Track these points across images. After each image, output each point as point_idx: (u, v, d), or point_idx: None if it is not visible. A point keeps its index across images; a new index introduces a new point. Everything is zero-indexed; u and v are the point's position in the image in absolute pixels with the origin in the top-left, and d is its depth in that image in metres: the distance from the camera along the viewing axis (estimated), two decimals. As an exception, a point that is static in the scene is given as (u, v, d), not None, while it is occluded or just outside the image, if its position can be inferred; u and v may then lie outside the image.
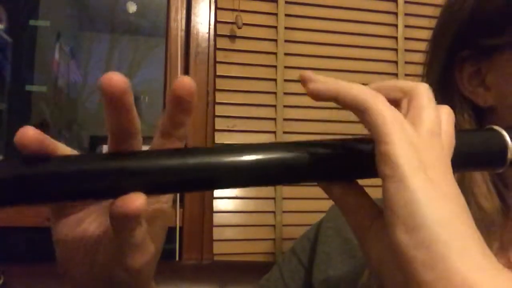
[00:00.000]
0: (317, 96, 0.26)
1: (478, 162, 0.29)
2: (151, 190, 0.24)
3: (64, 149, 0.26)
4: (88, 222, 0.29)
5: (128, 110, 0.24)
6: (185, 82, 0.24)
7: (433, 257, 0.21)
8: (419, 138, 0.24)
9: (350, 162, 0.26)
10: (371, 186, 0.30)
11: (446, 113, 0.26)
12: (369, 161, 0.25)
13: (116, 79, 0.22)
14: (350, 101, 0.24)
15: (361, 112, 0.24)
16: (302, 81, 0.26)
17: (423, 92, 0.25)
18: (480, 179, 0.39)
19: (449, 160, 0.25)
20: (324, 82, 0.25)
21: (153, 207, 0.29)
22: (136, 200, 0.23)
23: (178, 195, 1.09)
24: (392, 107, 0.24)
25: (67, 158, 0.24)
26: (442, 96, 0.43)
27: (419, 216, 0.21)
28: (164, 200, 0.29)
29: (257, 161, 0.25)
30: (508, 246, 0.39)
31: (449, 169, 0.24)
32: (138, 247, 0.26)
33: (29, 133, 0.23)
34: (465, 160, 0.27)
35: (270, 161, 0.25)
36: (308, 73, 0.26)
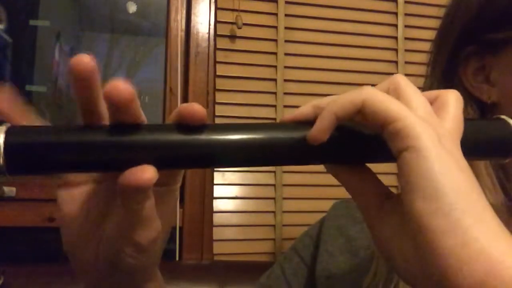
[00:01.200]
0: (325, 130, 0.25)
1: (484, 151, 0.29)
2: (160, 164, 0.24)
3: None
4: (95, 199, 0.29)
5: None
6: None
7: (451, 224, 0.21)
8: (424, 116, 0.24)
9: (359, 145, 0.26)
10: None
11: (454, 97, 0.26)
12: (379, 144, 0.25)
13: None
14: (348, 105, 0.24)
15: (361, 108, 0.24)
16: (316, 136, 0.25)
17: (403, 81, 0.26)
18: (484, 172, 0.39)
19: (458, 141, 0.25)
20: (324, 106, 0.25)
21: (163, 187, 0.29)
22: (147, 172, 0.23)
23: (178, 195, 1.08)
24: (387, 95, 0.25)
25: (78, 127, 0.24)
26: None
27: (437, 184, 0.22)
28: (174, 181, 0.30)
29: (266, 139, 0.25)
30: None
31: (459, 145, 0.24)
32: (146, 222, 0.26)
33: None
34: (472, 148, 0.27)
35: (280, 140, 0.25)
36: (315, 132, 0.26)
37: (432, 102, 0.27)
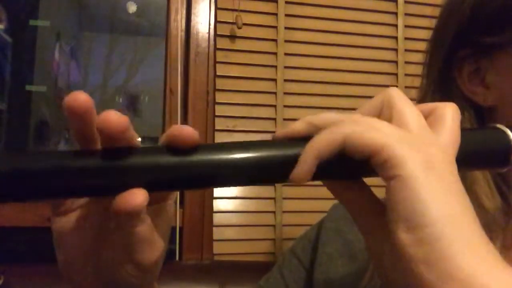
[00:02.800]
0: (306, 172, 0.24)
1: (481, 161, 0.28)
2: (152, 187, 0.24)
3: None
4: (91, 219, 0.28)
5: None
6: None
7: (435, 255, 0.20)
8: (414, 137, 0.23)
9: (351, 162, 0.26)
10: (373, 186, 0.30)
11: (451, 110, 0.26)
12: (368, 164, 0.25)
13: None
14: (330, 145, 0.24)
15: (342, 143, 0.23)
16: (298, 178, 0.25)
17: (396, 94, 0.25)
18: (481, 178, 0.39)
19: (454, 156, 0.24)
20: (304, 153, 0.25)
21: (157, 205, 0.29)
22: (138, 197, 0.23)
23: (178, 195, 1.09)
24: (372, 119, 0.24)
25: (66, 153, 0.24)
26: (441, 95, 0.43)
27: (420, 215, 0.21)
28: (168, 197, 0.29)
29: (260, 158, 0.25)
30: (510, 246, 0.39)
31: (454, 165, 0.24)
32: (146, 243, 0.25)
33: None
34: (469, 159, 0.27)
35: (274, 159, 0.25)
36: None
37: (428, 115, 0.26)
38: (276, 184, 1.12)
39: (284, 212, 1.12)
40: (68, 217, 0.28)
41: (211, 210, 1.10)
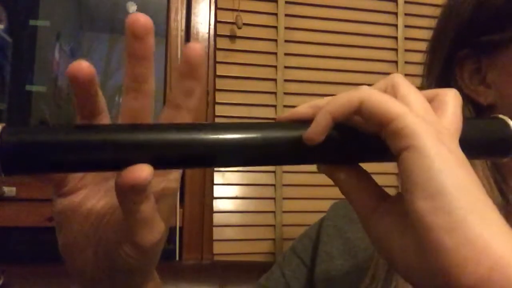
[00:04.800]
0: (321, 131, 0.25)
1: (483, 150, 0.29)
2: (157, 163, 0.24)
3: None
4: (93, 201, 0.28)
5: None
6: (196, 47, 0.25)
7: (454, 222, 0.21)
8: (422, 114, 0.24)
9: (355, 144, 0.26)
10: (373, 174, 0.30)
11: (452, 96, 0.26)
12: (375, 144, 0.25)
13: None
14: (345, 105, 0.24)
15: (359, 107, 0.24)
16: (311, 137, 0.25)
17: (401, 79, 0.26)
18: (481, 174, 0.39)
19: (457, 138, 0.25)
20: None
21: (162, 185, 0.29)
22: (143, 171, 0.23)
23: (178, 195, 1.09)
24: (385, 94, 0.24)
25: (72, 127, 0.24)
26: None
27: (438, 182, 0.21)
28: (172, 178, 0.29)
29: (262, 139, 0.25)
30: None
31: (458, 145, 0.24)
32: (147, 224, 0.25)
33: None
34: (470, 147, 0.27)
35: (276, 140, 0.25)
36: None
37: (430, 100, 0.26)
38: (276, 185, 1.13)
39: (284, 212, 1.12)
40: (71, 198, 0.28)
41: (211, 210, 1.10)
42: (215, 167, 0.27)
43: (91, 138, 0.23)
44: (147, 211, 0.25)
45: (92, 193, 0.29)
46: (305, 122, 0.26)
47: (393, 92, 0.25)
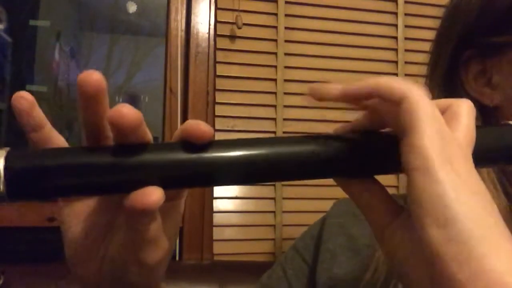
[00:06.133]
0: (354, 95, 0.25)
1: (496, 158, 0.29)
2: (166, 184, 0.23)
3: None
4: (100, 212, 0.28)
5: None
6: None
7: (467, 254, 0.20)
8: (445, 130, 0.23)
9: (368, 158, 0.26)
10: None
11: (466, 107, 0.26)
12: (388, 157, 0.25)
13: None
14: (390, 91, 0.24)
15: (399, 101, 0.23)
16: (318, 92, 0.25)
17: (418, 91, 0.25)
18: (486, 178, 0.39)
19: (471, 154, 0.24)
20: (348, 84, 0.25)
21: (168, 204, 0.28)
22: (153, 194, 0.22)
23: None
24: (429, 99, 0.24)
25: (79, 150, 0.24)
26: (447, 95, 0.43)
27: (451, 211, 0.21)
28: (179, 196, 0.29)
29: (275, 155, 0.24)
30: None
31: (472, 163, 0.24)
32: (153, 242, 0.25)
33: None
34: (484, 156, 0.27)
35: (289, 155, 0.25)
36: (317, 85, 0.26)
37: (443, 111, 0.26)
38: (276, 185, 1.12)
39: (284, 212, 1.12)
40: (78, 209, 0.28)
41: (211, 210, 1.10)
42: (225, 185, 0.27)
43: (97, 161, 0.23)
44: (153, 231, 0.25)
45: (99, 204, 0.28)
46: (312, 137, 0.25)
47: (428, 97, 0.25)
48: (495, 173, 0.39)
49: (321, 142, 0.25)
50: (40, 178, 0.22)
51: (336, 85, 0.26)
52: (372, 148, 0.26)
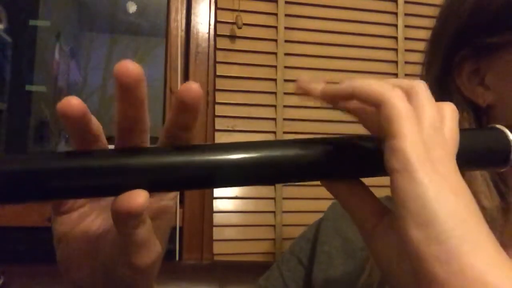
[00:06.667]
0: (332, 96, 0.26)
1: (481, 161, 0.29)
2: (154, 187, 0.23)
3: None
4: (90, 218, 0.28)
5: (140, 103, 0.23)
6: (192, 88, 0.23)
7: (447, 253, 0.21)
8: (426, 134, 0.24)
9: (354, 160, 0.26)
10: (373, 186, 0.30)
11: (450, 110, 0.26)
12: (373, 159, 0.25)
13: (132, 68, 0.22)
14: (367, 95, 0.24)
15: (376, 105, 0.24)
16: (303, 88, 0.26)
17: (422, 89, 0.25)
18: (480, 177, 0.39)
19: (454, 156, 0.25)
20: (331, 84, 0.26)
21: (158, 205, 0.28)
22: (139, 197, 0.22)
23: (178, 195, 1.09)
24: (406, 102, 0.24)
25: (67, 154, 0.24)
26: (441, 95, 0.43)
27: (431, 211, 0.21)
28: (169, 198, 0.29)
29: (260, 159, 0.25)
30: (509, 245, 0.39)
31: (455, 165, 0.24)
32: (143, 246, 0.25)
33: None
34: (468, 159, 0.27)
35: (273, 159, 0.25)
36: (306, 80, 0.27)
37: None
38: (276, 185, 1.13)
39: (284, 212, 1.12)
40: (69, 217, 0.28)
41: (211, 210, 1.10)
42: (213, 188, 0.27)
43: (83, 164, 0.23)
44: (143, 234, 0.25)
45: (89, 211, 0.28)
46: (302, 141, 0.26)
47: (409, 97, 0.25)
48: (488, 173, 0.39)
49: (305, 145, 0.25)
50: (26, 183, 0.22)
51: (318, 84, 0.26)
52: (357, 151, 0.26)
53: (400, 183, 0.22)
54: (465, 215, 0.22)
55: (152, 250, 0.26)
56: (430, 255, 0.21)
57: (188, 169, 0.24)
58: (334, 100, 0.26)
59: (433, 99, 0.25)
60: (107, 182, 0.23)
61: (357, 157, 0.26)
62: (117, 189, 0.23)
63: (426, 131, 0.24)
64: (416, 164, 0.22)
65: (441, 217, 0.21)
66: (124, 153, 0.24)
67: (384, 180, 0.26)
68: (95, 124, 0.25)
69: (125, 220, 0.23)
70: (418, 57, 0.49)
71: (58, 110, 0.22)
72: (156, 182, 0.24)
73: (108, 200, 0.27)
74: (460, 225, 0.21)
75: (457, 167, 0.24)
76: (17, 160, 0.23)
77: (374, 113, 0.24)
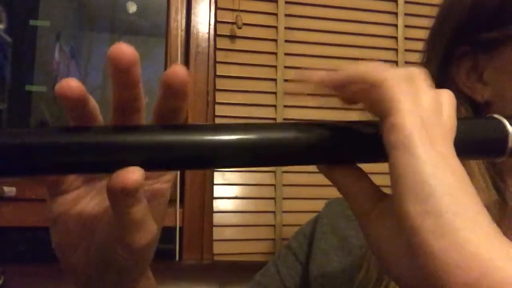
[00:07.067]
0: (332, 81, 0.26)
1: (478, 150, 0.29)
2: (150, 165, 0.23)
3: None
4: (86, 200, 0.28)
5: (135, 84, 0.24)
6: (178, 72, 0.24)
7: (443, 226, 0.21)
8: (425, 115, 0.24)
9: (352, 145, 0.26)
10: (372, 173, 0.30)
11: (447, 96, 0.26)
12: (372, 144, 0.25)
13: (125, 49, 0.22)
14: (362, 77, 0.25)
15: (376, 85, 0.24)
16: (303, 75, 0.26)
17: (421, 75, 0.26)
18: (477, 171, 0.39)
19: (452, 140, 0.25)
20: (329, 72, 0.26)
21: (154, 187, 0.28)
22: (133, 174, 0.22)
23: (178, 195, 1.09)
24: (405, 83, 0.24)
25: (63, 129, 0.24)
26: None
27: (428, 185, 0.21)
28: (165, 179, 0.29)
29: (257, 140, 0.24)
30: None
31: (452, 145, 0.24)
32: (139, 225, 0.25)
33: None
34: (465, 147, 0.27)
35: (271, 141, 0.25)
36: (304, 72, 0.27)
37: None
38: (276, 185, 1.13)
39: (284, 212, 1.12)
40: (64, 198, 0.28)
41: (211, 210, 1.10)
42: (208, 168, 0.26)
43: (80, 140, 0.23)
44: (138, 213, 0.25)
45: (85, 192, 0.29)
46: (299, 124, 0.25)
47: (408, 81, 0.25)
48: (485, 167, 0.39)
49: (303, 128, 0.25)
50: (20, 156, 0.22)
51: (318, 72, 0.26)
52: (357, 136, 0.26)
53: (398, 158, 0.22)
54: (462, 193, 0.22)
55: (147, 230, 0.26)
56: (426, 228, 0.21)
57: (184, 148, 0.24)
58: (335, 86, 0.26)
59: (432, 85, 0.25)
60: (102, 159, 0.23)
61: (356, 142, 0.26)
62: (112, 166, 0.23)
63: (424, 112, 0.24)
64: (416, 139, 0.22)
65: (438, 193, 0.21)
66: (119, 130, 0.24)
67: (385, 180, 0.26)
68: (93, 104, 0.25)
69: (120, 198, 0.23)
70: (418, 57, 0.50)
71: (57, 91, 0.22)
72: (152, 160, 0.23)
73: (104, 182, 0.27)
74: (457, 201, 0.21)
75: (453, 147, 0.24)
76: (10, 134, 0.23)
77: (374, 93, 0.24)
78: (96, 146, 0.23)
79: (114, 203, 0.24)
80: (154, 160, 0.24)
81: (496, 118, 0.28)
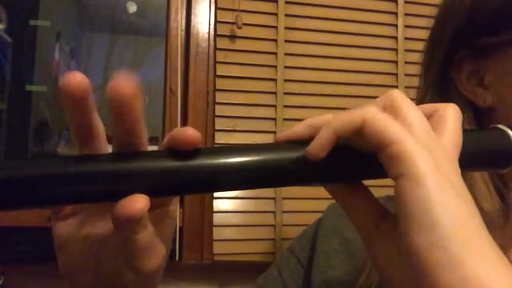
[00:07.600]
0: (324, 146, 0.24)
1: (483, 162, 0.28)
2: (154, 192, 0.23)
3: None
4: (92, 224, 0.28)
5: (137, 119, 0.23)
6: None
7: (449, 258, 0.20)
8: (420, 138, 0.23)
9: (354, 163, 0.26)
10: (373, 186, 0.30)
11: (453, 111, 0.26)
12: (375, 162, 0.25)
13: (124, 85, 0.21)
14: (348, 124, 0.24)
15: (360, 127, 0.23)
16: (314, 152, 0.24)
17: (399, 96, 0.25)
18: (479, 179, 0.39)
19: (457, 159, 0.24)
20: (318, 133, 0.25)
21: (160, 210, 0.28)
22: (138, 202, 0.22)
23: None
24: (386, 114, 0.24)
25: (65, 158, 0.23)
26: (440, 96, 0.43)
27: (434, 215, 0.21)
28: (171, 202, 0.29)
29: (259, 162, 0.24)
30: (508, 247, 0.39)
31: (458, 168, 0.24)
32: (147, 250, 0.25)
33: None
34: (470, 160, 0.27)
35: (274, 163, 0.25)
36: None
37: (429, 116, 0.26)
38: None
39: (284, 212, 1.12)
40: (69, 222, 0.28)
41: (211, 210, 1.10)
42: (213, 192, 0.26)
43: (83, 170, 0.22)
44: (145, 239, 0.24)
45: (90, 217, 0.28)
46: (302, 143, 0.25)
47: (392, 110, 0.25)
48: (489, 175, 0.39)
49: (305, 149, 0.25)
50: (24, 189, 0.22)
51: (298, 127, 0.26)
52: (358, 154, 0.26)
53: (403, 187, 0.22)
54: (467, 219, 0.21)
55: (156, 254, 0.26)
56: (434, 260, 0.21)
57: (188, 174, 0.23)
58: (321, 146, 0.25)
59: (411, 103, 0.25)
60: (106, 188, 0.23)
61: (358, 160, 0.26)
62: (117, 195, 0.23)
63: (418, 134, 0.23)
64: (421, 167, 0.22)
65: (443, 222, 0.21)
66: (123, 158, 0.23)
67: (384, 180, 0.26)
68: (98, 120, 0.25)
69: (125, 226, 0.23)
70: (418, 57, 0.49)
71: (64, 84, 0.21)
72: (156, 187, 0.23)
73: (109, 204, 0.27)
74: (462, 230, 0.21)
75: (458, 168, 0.24)
76: (10, 166, 0.22)
77: (363, 133, 0.24)
78: (98, 175, 0.22)
79: (120, 230, 0.24)
80: (159, 186, 0.23)
81: (500, 129, 0.28)
